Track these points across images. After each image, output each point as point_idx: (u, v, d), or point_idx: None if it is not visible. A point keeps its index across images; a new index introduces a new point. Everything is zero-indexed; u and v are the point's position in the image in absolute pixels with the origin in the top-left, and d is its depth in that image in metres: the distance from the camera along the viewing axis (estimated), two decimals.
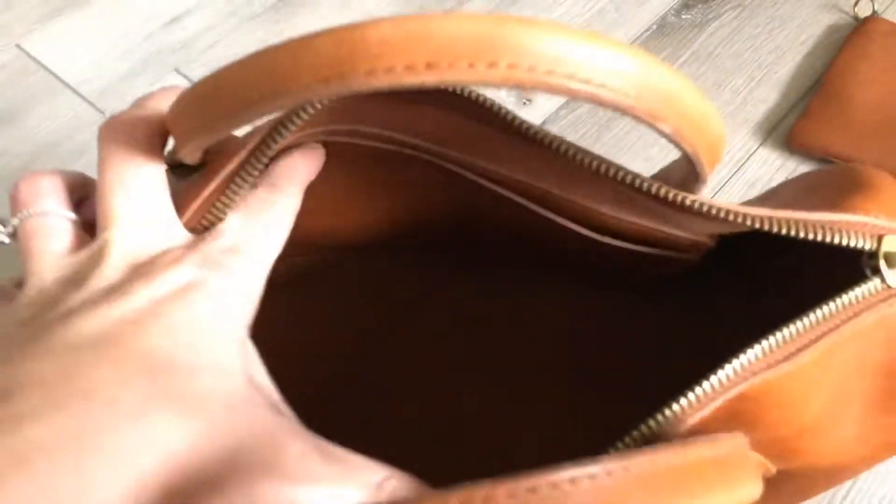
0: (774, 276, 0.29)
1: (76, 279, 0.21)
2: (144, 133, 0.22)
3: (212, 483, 0.17)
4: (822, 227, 0.22)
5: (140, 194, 0.22)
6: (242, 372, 0.20)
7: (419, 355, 0.32)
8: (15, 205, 0.23)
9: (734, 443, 0.20)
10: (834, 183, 0.25)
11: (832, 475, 0.26)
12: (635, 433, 0.21)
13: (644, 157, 0.51)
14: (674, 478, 0.16)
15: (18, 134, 0.53)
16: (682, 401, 0.20)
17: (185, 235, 0.23)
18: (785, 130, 0.52)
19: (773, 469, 0.23)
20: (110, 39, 0.58)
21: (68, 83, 0.56)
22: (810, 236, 0.22)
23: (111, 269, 0.20)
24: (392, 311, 0.33)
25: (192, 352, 0.19)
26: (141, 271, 0.20)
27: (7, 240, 0.23)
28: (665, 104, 0.17)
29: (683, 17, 0.59)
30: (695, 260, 0.29)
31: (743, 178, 0.50)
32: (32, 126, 0.54)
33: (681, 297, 0.32)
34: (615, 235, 0.28)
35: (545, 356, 0.32)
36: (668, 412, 0.20)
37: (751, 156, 0.51)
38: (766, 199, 0.30)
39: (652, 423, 0.20)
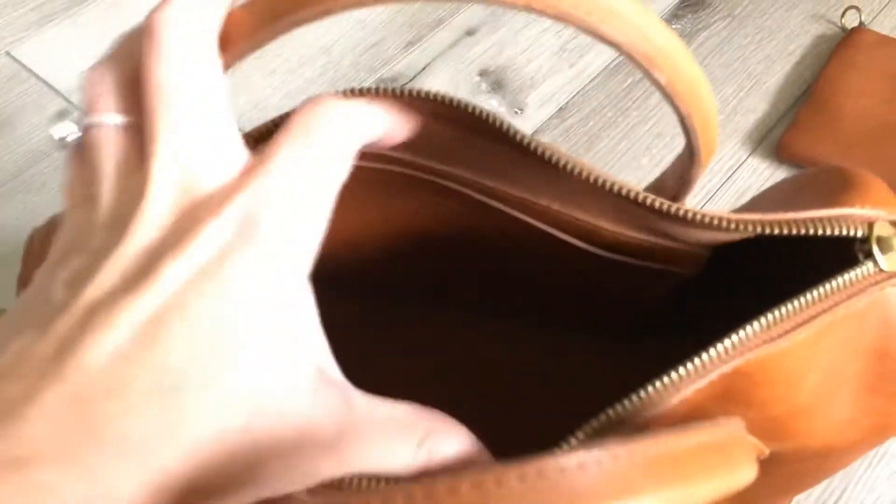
0: (775, 285, 0.30)
1: (116, 225, 0.18)
2: (210, 20, 0.19)
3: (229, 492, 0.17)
4: (814, 223, 0.23)
5: (200, 101, 0.19)
6: (290, 355, 0.18)
7: (415, 383, 0.32)
8: (84, 104, 0.20)
9: (732, 427, 0.20)
10: (821, 183, 0.26)
11: (823, 459, 0.26)
12: (634, 398, 0.21)
13: (635, 167, 0.52)
14: (676, 462, 0.17)
15: (9, 142, 0.53)
16: (681, 370, 0.21)
17: (243, 159, 0.19)
18: (774, 140, 0.52)
19: (766, 451, 0.24)
20: (102, 47, 0.58)
21: (60, 91, 0.55)
22: (802, 232, 0.23)
23: (149, 225, 0.18)
24: (388, 340, 0.33)
25: (216, 359, 0.17)
26: (182, 222, 0.18)
27: (74, 138, 0.20)
28: (659, 52, 0.19)
29: (673, 26, 0.59)
30: (690, 274, 0.29)
31: (733, 188, 0.51)
32: (24, 134, 0.53)
33: (681, 319, 0.32)
34: (614, 250, 0.28)
35: (545, 391, 0.32)
36: (665, 380, 0.21)
37: (740, 165, 0.52)
38: (754, 204, 0.30)
39: (650, 389, 0.21)
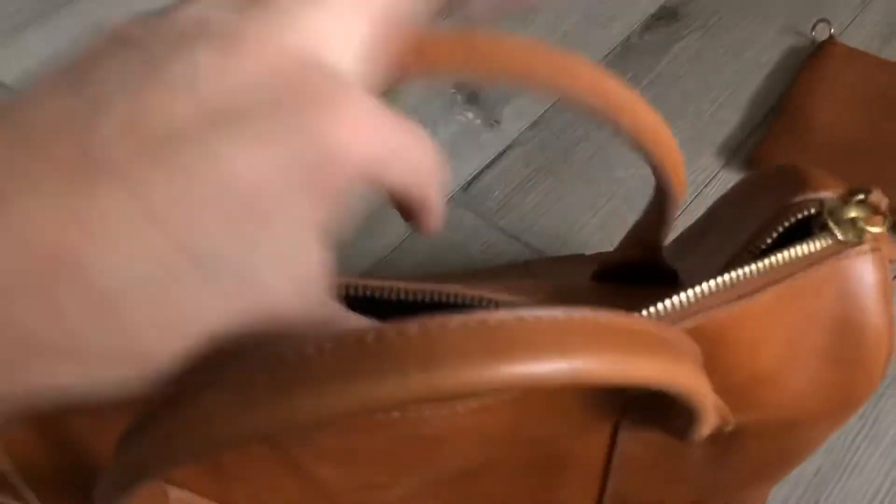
0: None
1: None
2: None
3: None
4: (774, 224, 0.25)
5: None
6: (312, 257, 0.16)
7: None
8: None
9: (681, 336, 0.20)
10: (773, 182, 0.28)
11: (787, 435, 0.27)
12: None
13: (610, 179, 0.52)
14: (615, 334, 0.16)
15: None
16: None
17: None
18: (747, 152, 0.53)
19: (731, 418, 0.24)
20: None
21: None
22: (769, 241, 0.25)
23: None
24: None
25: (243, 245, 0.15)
26: None
27: None
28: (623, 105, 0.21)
29: (646, 38, 0.60)
30: None
31: (707, 202, 0.51)
32: None
33: None
34: None
35: None
36: None
37: (713, 178, 0.52)
38: (714, 213, 0.31)
39: None
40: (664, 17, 0.61)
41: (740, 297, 0.23)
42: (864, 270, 0.24)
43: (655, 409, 0.24)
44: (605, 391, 0.24)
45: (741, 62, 0.58)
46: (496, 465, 0.26)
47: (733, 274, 0.23)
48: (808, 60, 0.56)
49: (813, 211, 0.25)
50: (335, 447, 0.23)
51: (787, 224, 0.25)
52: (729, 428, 0.25)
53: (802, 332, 0.24)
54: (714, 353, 0.23)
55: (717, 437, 0.25)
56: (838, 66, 0.55)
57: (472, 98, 0.56)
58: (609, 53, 0.59)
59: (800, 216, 0.25)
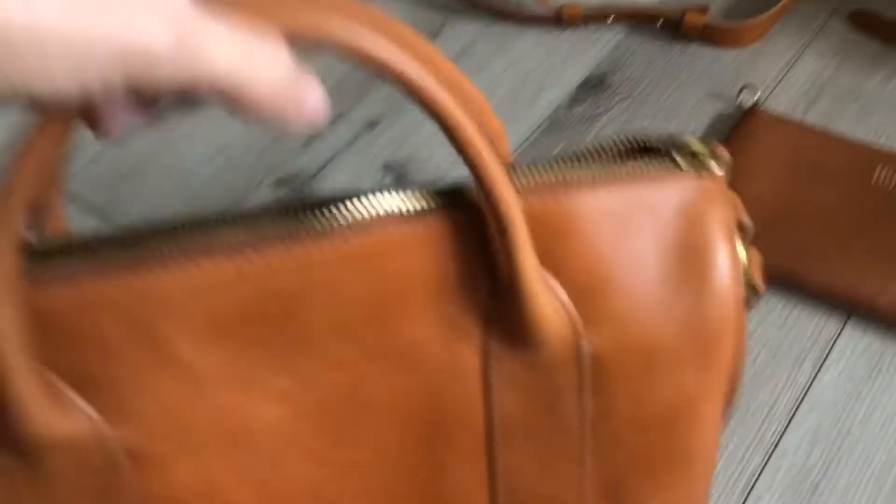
0: None
1: None
2: None
3: None
4: (613, 144, 0.28)
5: None
6: None
7: None
8: None
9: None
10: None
11: (650, 379, 0.27)
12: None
13: None
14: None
15: None
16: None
17: None
18: None
19: (581, 325, 0.26)
20: None
21: None
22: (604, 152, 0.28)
23: None
24: None
25: None
26: None
27: None
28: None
29: (574, 110, 0.59)
30: None
31: None
32: None
33: None
34: None
35: None
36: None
37: None
38: None
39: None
40: (592, 87, 0.61)
41: (563, 188, 0.25)
42: (703, 201, 0.26)
43: (509, 320, 0.26)
44: (462, 288, 0.26)
45: (669, 130, 0.58)
46: (366, 396, 0.26)
47: (556, 162, 0.26)
48: (735, 131, 0.56)
49: (659, 145, 0.27)
50: (198, 317, 0.24)
51: (627, 143, 0.28)
52: (586, 346, 0.26)
53: (646, 249, 0.26)
54: (552, 244, 0.25)
55: (581, 372, 0.27)
56: (763, 136, 0.55)
57: (401, 180, 0.55)
58: (537, 128, 0.58)
59: (643, 143, 0.27)
